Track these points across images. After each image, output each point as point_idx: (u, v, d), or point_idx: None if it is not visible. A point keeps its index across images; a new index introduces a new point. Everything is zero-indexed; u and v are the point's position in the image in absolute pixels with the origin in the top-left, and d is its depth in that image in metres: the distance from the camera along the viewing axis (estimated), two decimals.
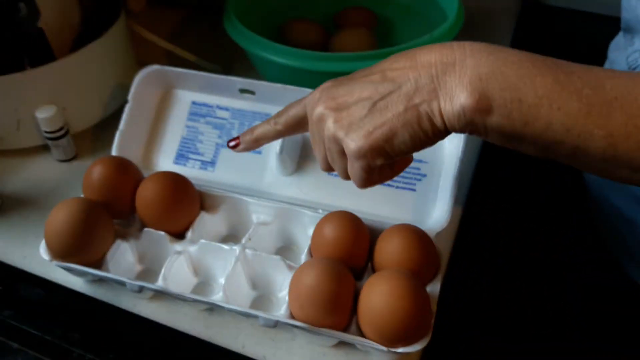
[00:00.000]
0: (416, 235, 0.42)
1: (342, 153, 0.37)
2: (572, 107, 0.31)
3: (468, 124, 0.33)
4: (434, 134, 0.35)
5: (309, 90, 0.51)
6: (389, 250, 0.42)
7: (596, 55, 0.58)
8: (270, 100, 0.53)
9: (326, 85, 0.39)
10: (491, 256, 0.65)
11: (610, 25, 0.58)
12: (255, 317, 0.41)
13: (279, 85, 0.52)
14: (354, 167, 0.37)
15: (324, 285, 0.39)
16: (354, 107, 0.36)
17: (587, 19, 0.81)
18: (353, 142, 0.35)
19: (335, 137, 0.36)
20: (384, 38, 0.69)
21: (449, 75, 0.34)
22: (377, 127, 0.35)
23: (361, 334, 0.40)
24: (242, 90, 0.54)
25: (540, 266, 0.65)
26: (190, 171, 0.54)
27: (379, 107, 0.35)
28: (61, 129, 0.56)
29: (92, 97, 0.59)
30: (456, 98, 0.33)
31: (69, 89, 0.56)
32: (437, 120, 0.34)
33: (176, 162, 0.55)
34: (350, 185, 0.50)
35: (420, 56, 0.35)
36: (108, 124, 0.60)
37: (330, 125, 0.36)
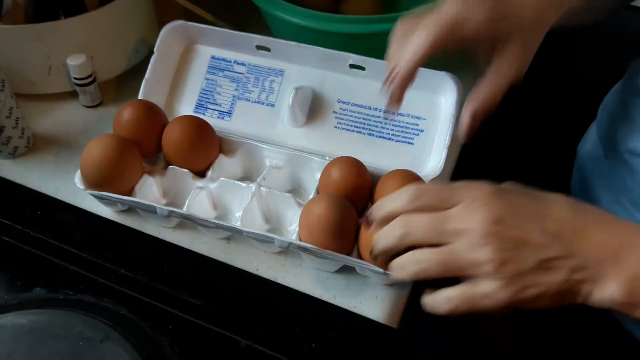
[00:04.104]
0: (412, 178, 0.48)
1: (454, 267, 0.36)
2: None
3: (609, 309, 0.35)
4: (570, 303, 0.36)
5: (321, 49, 0.56)
6: (388, 190, 0.48)
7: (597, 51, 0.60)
8: (285, 57, 0.58)
9: (492, 189, 0.37)
10: None
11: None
12: (270, 242, 0.46)
13: (293, 43, 0.57)
14: (471, 300, 0.36)
15: (331, 214, 0.44)
16: (525, 252, 0.35)
17: None
18: (503, 291, 0.35)
19: (485, 269, 0.35)
20: (389, 4, 0.74)
21: (611, 265, 0.35)
22: (533, 286, 0.35)
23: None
24: (259, 47, 0.59)
25: None
26: (208, 119, 0.58)
27: (544, 267, 0.35)
28: (89, 76, 0.61)
29: (117, 49, 0.64)
30: (608, 288, 0.34)
31: (98, 39, 0.61)
32: (581, 299, 0.35)
33: (196, 111, 0.60)
34: (355, 137, 0.56)
35: (595, 231, 0.36)
36: (131, 75, 0.65)
37: (488, 255, 0.35)
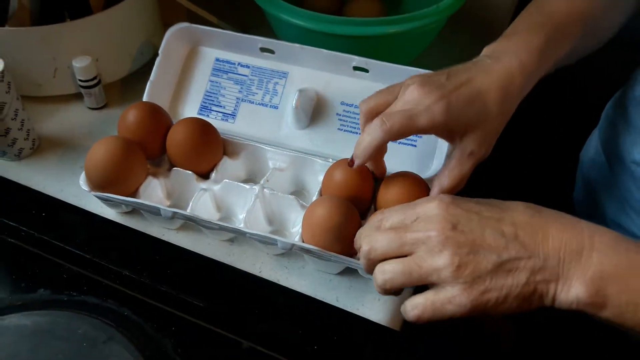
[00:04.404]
0: (414, 180, 0.48)
1: (412, 272, 0.37)
2: None
3: (576, 310, 0.35)
4: (537, 306, 0.36)
5: (324, 51, 0.56)
6: (390, 192, 0.48)
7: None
8: (289, 60, 0.58)
9: (448, 199, 0.38)
10: None
11: None
12: (273, 244, 0.46)
13: (297, 46, 0.57)
14: (433, 306, 0.37)
15: (334, 216, 0.44)
16: (481, 256, 0.36)
17: None
18: (463, 296, 0.35)
19: (444, 274, 0.36)
20: (393, 7, 0.74)
21: (574, 265, 0.35)
22: (493, 289, 0.35)
23: None
24: (263, 49, 0.59)
25: None
26: (212, 121, 0.58)
27: (503, 269, 0.35)
28: (94, 78, 0.62)
29: (122, 51, 0.64)
30: (573, 289, 0.35)
31: (103, 42, 0.61)
32: (548, 300, 0.36)
33: (200, 113, 0.60)
34: (357, 139, 0.56)
35: (553, 231, 0.36)
36: (135, 77, 0.65)
37: (446, 260, 0.36)
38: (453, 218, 0.37)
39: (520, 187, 0.75)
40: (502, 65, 0.45)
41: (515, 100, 0.45)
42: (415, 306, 0.38)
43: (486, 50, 0.48)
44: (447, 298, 0.36)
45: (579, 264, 0.35)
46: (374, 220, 0.42)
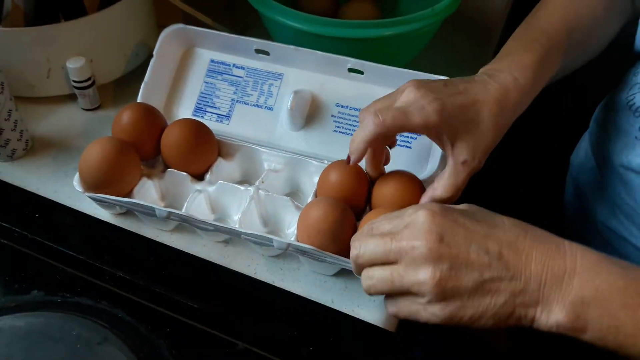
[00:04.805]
0: (409, 178, 0.48)
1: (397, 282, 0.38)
2: None
3: (557, 334, 0.35)
4: (514, 326, 0.36)
5: (319, 53, 0.56)
6: (385, 190, 0.48)
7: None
8: (284, 61, 0.58)
9: (437, 209, 0.38)
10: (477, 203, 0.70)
11: None
12: (268, 245, 0.46)
13: (292, 47, 0.57)
14: (409, 309, 0.38)
15: (329, 217, 0.44)
16: (463, 272, 0.36)
17: None
18: (438, 307, 0.36)
19: (424, 288, 0.36)
20: (389, 10, 0.74)
21: (555, 290, 0.35)
22: (470, 307, 0.36)
23: None
24: (258, 51, 0.59)
25: None
26: (207, 123, 0.58)
27: (484, 288, 0.35)
28: (89, 79, 0.61)
29: (117, 52, 0.64)
30: (553, 314, 0.35)
31: (97, 43, 0.61)
32: (526, 322, 0.36)
33: (194, 115, 0.60)
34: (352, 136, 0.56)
35: (537, 254, 0.36)
36: (130, 78, 0.65)
37: (427, 275, 0.36)
38: (439, 229, 0.37)
39: (511, 191, 0.76)
40: (498, 81, 0.46)
41: (511, 115, 0.46)
42: (394, 304, 0.39)
43: (482, 70, 0.49)
44: (424, 307, 0.37)
45: (560, 288, 0.35)
46: (367, 225, 0.42)
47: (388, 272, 0.38)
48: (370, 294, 0.40)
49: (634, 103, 0.53)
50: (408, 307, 0.38)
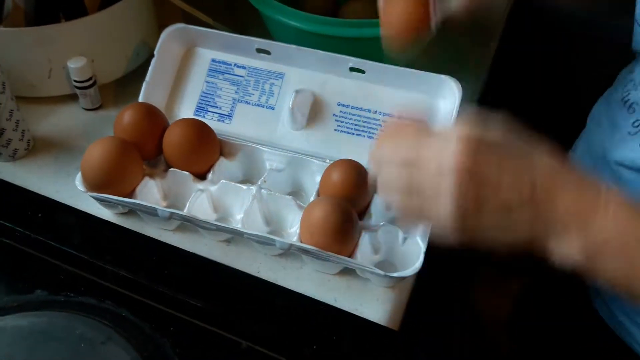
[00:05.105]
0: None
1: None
2: None
3: (570, 268, 0.36)
4: (525, 252, 0.36)
5: (320, 52, 0.56)
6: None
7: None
8: (285, 61, 0.58)
9: (475, 142, 0.36)
10: None
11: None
12: (271, 244, 0.46)
13: (293, 47, 0.57)
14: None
15: (332, 217, 0.45)
16: (489, 192, 0.35)
17: None
18: (456, 222, 0.35)
19: (444, 198, 0.35)
20: None
21: (575, 228, 0.35)
22: (489, 228, 0.36)
23: None
24: (259, 50, 0.59)
25: None
26: (208, 122, 0.58)
27: (510, 220, 0.35)
28: (90, 79, 0.61)
29: (118, 52, 0.64)
30: (569, 253, 0.35)
31: (98, 42, 0.61)
32: (540, 251, 0.36)
33: (196, 114, 0.60)
34: (355, 140, 0.56)
35: (567, 199, 0.36)
36: (131, 78, 0.65)
37: (451, 185, 0.35)
38: (474, 145, 0.35)
39: None
40: None
41: None
42: (404, 204, 0.38)
43: None
44: (440, 218, 0.36)
45: (582, 229, 0.35)
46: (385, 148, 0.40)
47: (407, 171, 0.37)
48: (384, 192, 0.39)
49: (629, 99, 0.53)
50: (422, 214, 0.37)
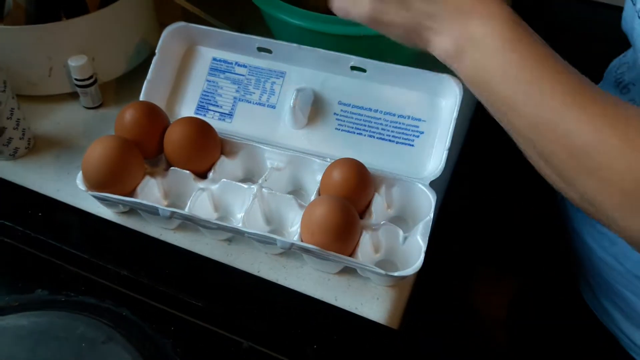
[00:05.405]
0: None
1: None
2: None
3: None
4: (415, 43, 0.43)
5: (322, 50, 0.56)
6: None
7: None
8: (286, 59, 0.58)
9: None
10: (479, 203, 0.70)
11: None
12: (271, 243, 0.46)
13: (294, 45, 0.57)
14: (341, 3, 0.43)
15: (333, 216, 0.44)
16: None
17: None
18: (368, 6, 0.42)
19: None
20: None
21: (458, 25, 0.39)
22: (387, 13, 0.42)
23: None
24: (260, 49, 0.59)
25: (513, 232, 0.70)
26: (209, 121, 0.58)
27: (406, 3, 0.41)
28: (91, 77, 0.61)
29: (118, 51, 0.64)
30: (443, 43, 0.40)
31: (99, 41, 0.61)
32: (422, 44, 0.42)
33: (197, 113, 0.60)
34: (356, 139, 0.56)
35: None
36: (132, 77, 0.65)
37: None
38: None
39: (511, 190, 0.76)
40: None
41: None
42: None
43: None
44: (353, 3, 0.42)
45: (462, 25, 0.38)
46: None
47: None
48: None
49: (623, 80, 0.54)
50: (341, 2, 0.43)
